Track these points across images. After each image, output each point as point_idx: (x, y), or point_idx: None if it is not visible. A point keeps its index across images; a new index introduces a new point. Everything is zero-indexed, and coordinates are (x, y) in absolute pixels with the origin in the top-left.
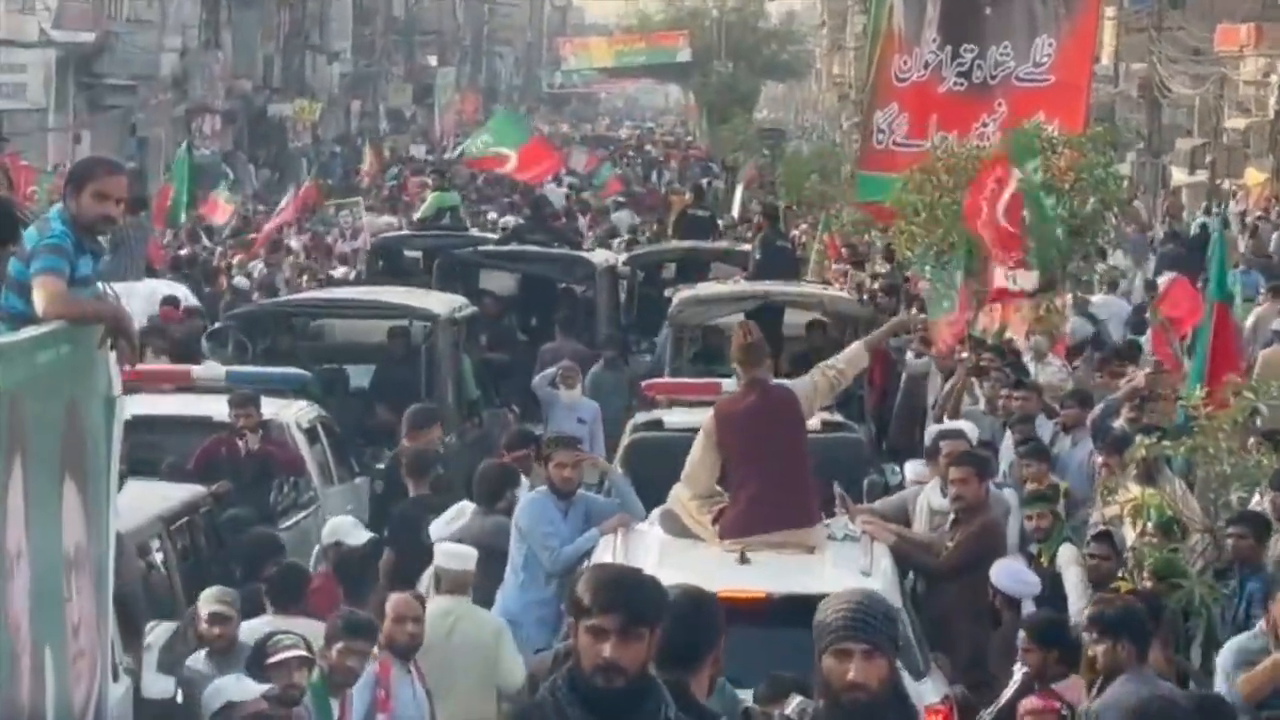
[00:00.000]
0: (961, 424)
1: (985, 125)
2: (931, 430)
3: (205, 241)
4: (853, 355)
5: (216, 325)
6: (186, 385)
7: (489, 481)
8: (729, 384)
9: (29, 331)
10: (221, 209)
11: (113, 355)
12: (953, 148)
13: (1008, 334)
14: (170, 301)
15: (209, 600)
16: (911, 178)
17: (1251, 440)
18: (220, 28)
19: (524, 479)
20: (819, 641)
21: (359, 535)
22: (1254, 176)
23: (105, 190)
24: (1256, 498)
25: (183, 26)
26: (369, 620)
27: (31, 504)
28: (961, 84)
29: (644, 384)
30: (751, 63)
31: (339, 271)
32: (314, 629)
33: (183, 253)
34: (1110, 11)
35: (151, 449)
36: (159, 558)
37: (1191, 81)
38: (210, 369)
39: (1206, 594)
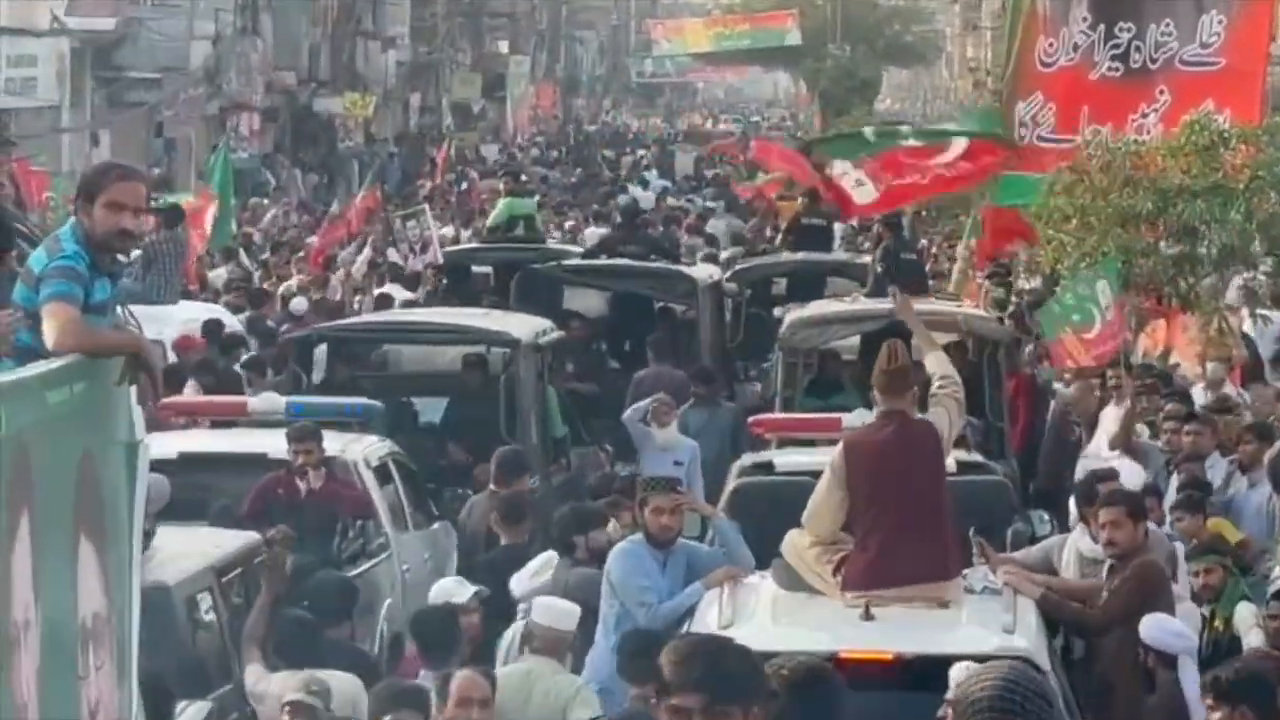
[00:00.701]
0: (1119, 461)
1: (1145, 116)
2: (1083, 468)
3: (242, 258)
4: (939, 362)
5: (252, 354)
6: (240, 418)
7: (565, 526)
8: (850, 419)
9: (37, 368)
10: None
11: (133, 393)
12: (1107, 143)
13: (1173, 358)
14: (212, 327)
15: (292, 686)
16: (1060, 178)
17: None
18: (259, 12)
19: (614, 524)
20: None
21: (464, 593)
22: None
23: (120, 199)
24: None
25: (216, 11)
26: (416, 689)
27: (41, 567)
28: (1117, 69)
29: (751, 420)
30: (872, 45)
31: (398, 292)
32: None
33: (218, 272)
34: None
35: (200, 490)
36: (209, 615)
37: None
38: (268, 400)
39: None
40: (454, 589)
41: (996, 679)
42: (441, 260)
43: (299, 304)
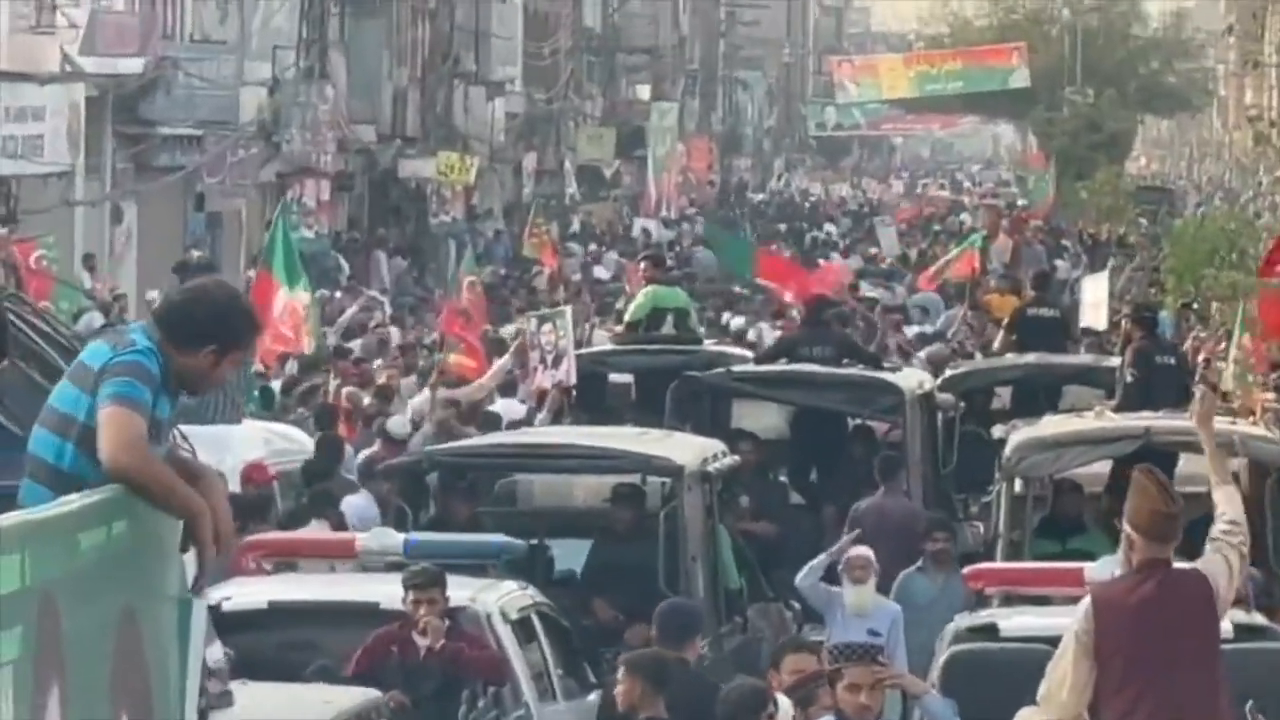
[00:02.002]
0: None
1: None
2: None
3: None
4: (1231, 500)
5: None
6: (347, 560)
7: (734, 709)
8: (1095, 569)
9: (68, 505)
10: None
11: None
12: None
13: None
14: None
15: None
16: None
17: None
18: (328, 49)
19: (782, 702)
20: None
21: None
22: None
23: (244, 357)
24: None
25: (273, 49)
26: None
27: None
28: None
29: (966, 572)
30: (1122, 88)
31: (508, 408)
32: None
33: (275, 383)
34: None
35: (296, 649)
36: None
37: None
38: (382, 537)
39: None
40: None
41: None
42: (575, 380)
43: (397, 425)
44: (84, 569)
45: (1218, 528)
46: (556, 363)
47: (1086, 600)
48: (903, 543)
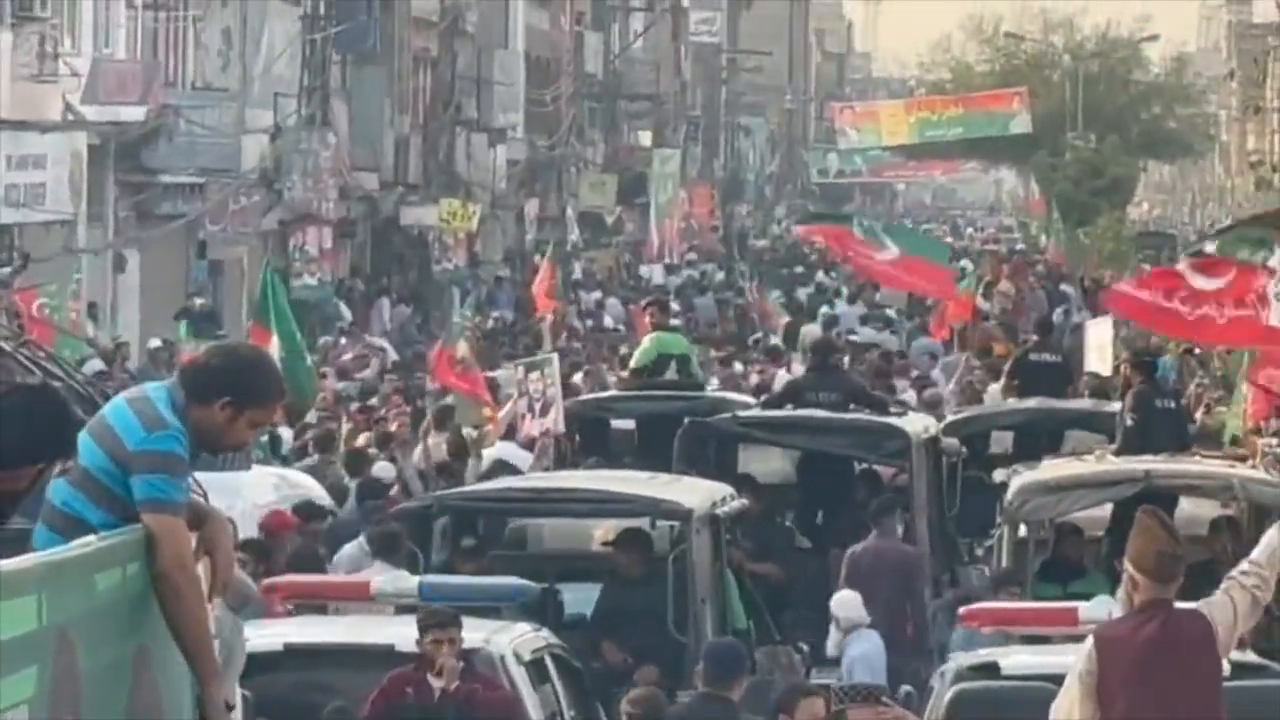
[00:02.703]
0: None
1: None
2: None
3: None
4: (1273, 548)
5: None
6: (361, 603)
7: None
8: (1090, 609)
9: (82, 547)
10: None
11: (202, 577)
12: None
13: None
14: (308, 509)
15: None
16: None
17: None
18: (330, 97)
19: None
20: None
21: None
22: None
23: (264, 421)
24: None
25: (275, 96)
26: None
27: None
28: None
29: (962, 612)
30: (1124, 134)
31: (511, 453)
32: None
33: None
34: None
35: (314, 690)
36: None
37: None
38: (397, 580)
39: None
40: None
41: None
42: (563, 429)
43: (383, 469)
44: (100, 609)
45: (1239, 568)
46: (545, 411)
47: (1090, 640)
48: (899, 584)
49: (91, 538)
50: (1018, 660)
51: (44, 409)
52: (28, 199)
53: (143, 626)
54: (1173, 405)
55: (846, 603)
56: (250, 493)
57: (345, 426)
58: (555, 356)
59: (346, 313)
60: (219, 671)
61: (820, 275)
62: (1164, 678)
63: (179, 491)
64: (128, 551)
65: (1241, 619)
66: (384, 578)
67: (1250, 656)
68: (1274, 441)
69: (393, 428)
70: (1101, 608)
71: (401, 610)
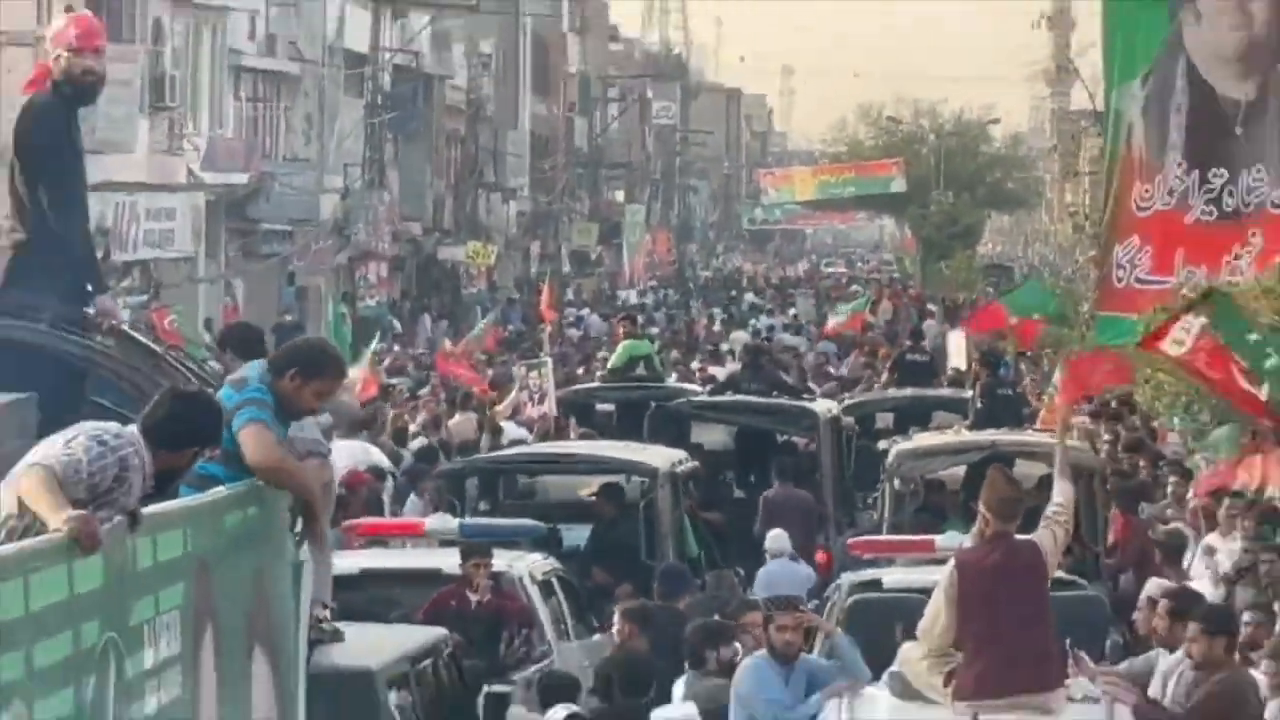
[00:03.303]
0: (1197, 582)
1: (1238, 258)
2: (1152, 587)
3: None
4: (1064, 491)
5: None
6: (417, 538)
7: (697, 640)
8: (943, 541)
9: (215, 494)
10: (367, 382)
11: (294, 526)
12: (1202, 284)
13: (1269, 491)
14: (375, 472)
15: None
16: (1156, 318)
17: None
18: (385, 166)
19: (739, 646)
20: None
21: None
22: None
23: (327, 392)
24: None
25: (344, 165)
26: None
27: (223, 677)
28: (1211, 213)
29: (850, 543)
30: (974, 192)
31: (512, 429)
32: None
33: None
34: None
35: (380, 603)
36: (405, 696)
37: None
38: (442, 521)
39: None
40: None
41: None
42: (556, 413)
43: (423, 444)
44: (228, 541)
45: (1050, 509)
46: (541, 400)
47: (951, 562)
48: (798, 519)
49: (221, 488)
50: (895, 577)
51: (202, 407)
52: (160, 241)
53: (258, 553)
54: (1011, 393)
55: (775, 538)
56: (334, 458)
57: (391, 411)
58: (550, 359)
59: (397, 325)
60: (316, 491)
61: (750, 296)
62: (1008, 590)
63: (264, 414)
64: (247, 498)
65: (1059, 546)
66: (433, 520)
67: (1064, 575)
68: (1085, 419)
69: (421, 415)
70: (952, 540)
71: (445, 544)
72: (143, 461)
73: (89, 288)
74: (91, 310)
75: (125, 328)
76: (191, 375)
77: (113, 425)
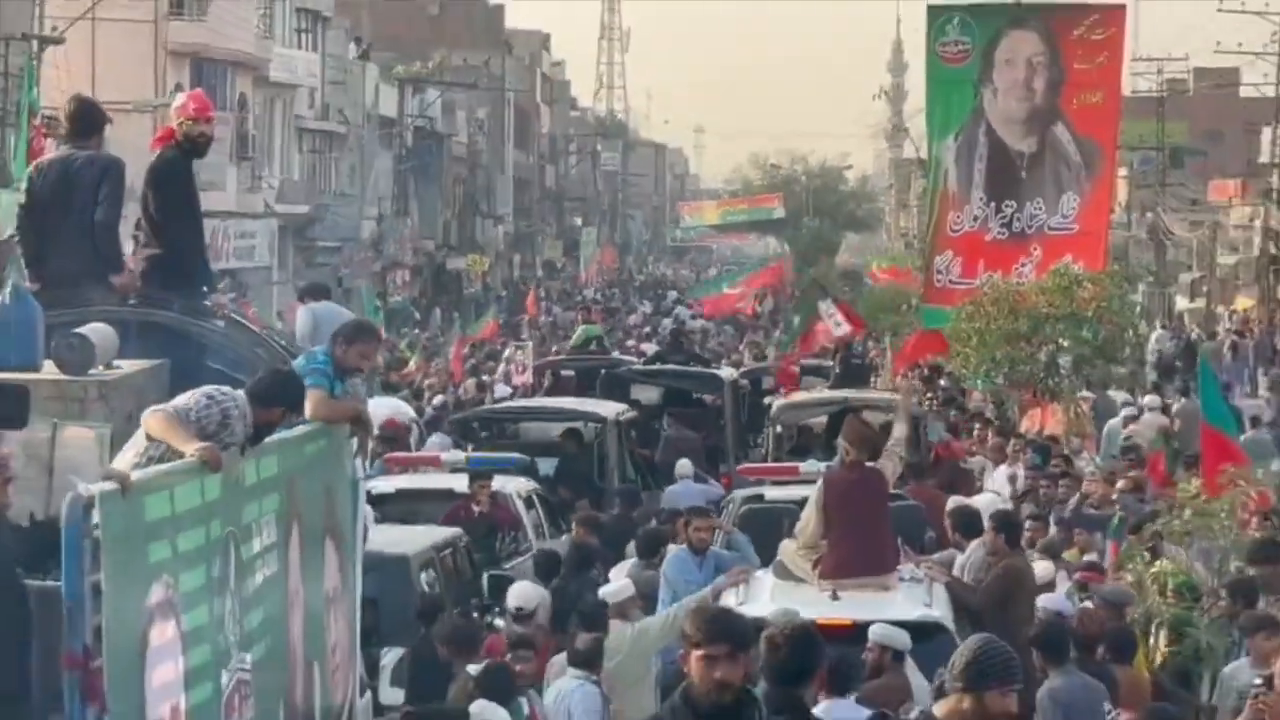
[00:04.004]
0: (982, 498)
1: (1023, 266)
2: (950, 503)
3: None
4: (900, 431)
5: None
6: (437, 467)
7: (650, 540)
8: (806, 467)
9: (299, 431)
10: (418, 366)
11: (354, 445)
12: (997, 284)
13: (1047, 432)
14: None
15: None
16: (965, 310)
17: (1254, 519)
18: (409, 199)
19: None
20: (975, 681)
21: (531, 599)
22: (1242, 303)
23: (367, 353)
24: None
25: (379, 199)
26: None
27: (305, 558)
28: (1004, 233)
29: (740, 469)
30: (834, 218)
31: (500, 389)
32: None
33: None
34: (1123, 171)
35: (411, 512)
36: (431, 574)
37: (1190, 226)
38: (454, 454)
39: (1215, 641)
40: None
41: (997, 649)
42: (532, 380)
43: (440, 401)
44: (307, 464)
45: (889, 444)
46: (523, 370)
47: (821, 480)
48: (689, 452)
49: (300, 427)
50: (773, 493)
51: (288, 379)
52: (244, 255)
53: (327, 474)
54: (861, 363)
55: (682, 465)
56: (373, 410)
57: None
58: (530, 341)
59: (416, 315)
60: (362, 412)
61: (673, 293)
62: (859, 502)
63: (319, 381)
64: (320, 435)
65: (896, 471)
66: (448, 454)
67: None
68: (914, 381)
69: (431, 380)
70: (812, 467)
71: (456, 471)
72: (243, 414)
73: (205, 287)
74: (208, 302)
75: (232, 314)
76: (278, 349)
77: (224, 387)
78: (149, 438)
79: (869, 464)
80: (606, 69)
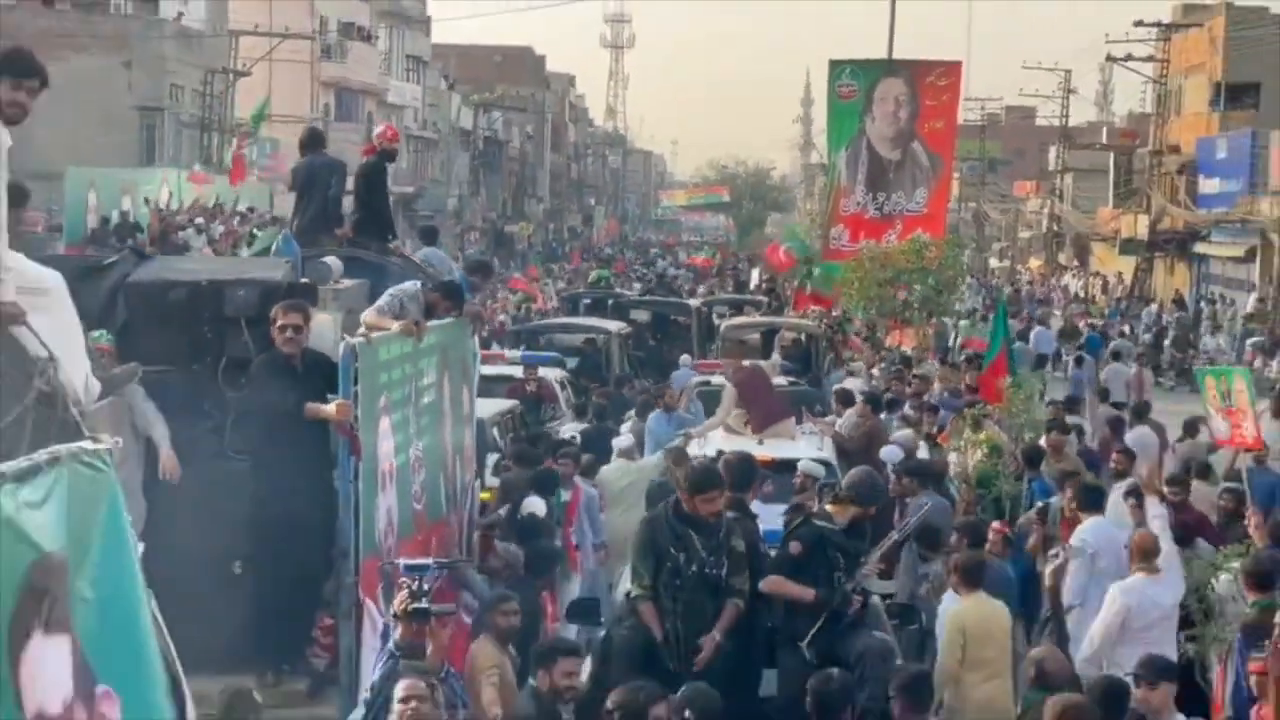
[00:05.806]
0: (854, 381)
1: (890, 236)
2: (836, 388)
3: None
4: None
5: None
6: (504, 360)
7: (642, 407)
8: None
9: (437, 324)
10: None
11: (473, 331)
12: (872, 248)
13: (902, 348)
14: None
15: None
16: (849, 265)
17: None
18: (479, 185)
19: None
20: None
21: (540, 508)
22: (1033, 264)
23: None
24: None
25: (459, 183)
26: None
27: (450, 392)
28: (877, 214)
29: (696, 363)
30: (764, 202)
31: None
32: None
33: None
34: (956, 174)
35: (485, 389)
36: (500, 429)
37: (1000, 212)
38: (515, 353)
39: (1009, 489)
40: (535, 504)
41: (871, 475)
42: (558, 304)
43: (502, 316)
44: (451, 338)
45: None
46: (553, 298)
47: (728, 380)
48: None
49: (438, 322)
50: (717, 380)
51: (454, 287)
52: None
53: (460, 345)
54: (780, 301)
55: (684, 359)
56: None
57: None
58: (553, 283)
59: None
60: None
61: (656, 250)
62: (766, 390)
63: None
64: (457, 324)
65: (775, 371)
66: (510, 353)
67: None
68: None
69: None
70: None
71: (514, 363)
72: (416, 299)
73: (390, 238)
74: (390, 246)
75: (402, 253)
76: (426, 275)
77: (406, 284)
78: (368, 326)
79: (759, 363)
80: (613, 100)
